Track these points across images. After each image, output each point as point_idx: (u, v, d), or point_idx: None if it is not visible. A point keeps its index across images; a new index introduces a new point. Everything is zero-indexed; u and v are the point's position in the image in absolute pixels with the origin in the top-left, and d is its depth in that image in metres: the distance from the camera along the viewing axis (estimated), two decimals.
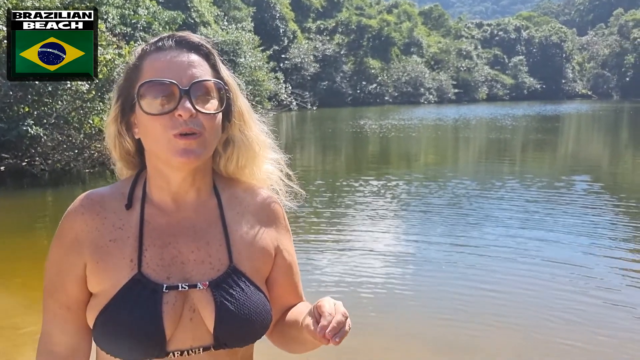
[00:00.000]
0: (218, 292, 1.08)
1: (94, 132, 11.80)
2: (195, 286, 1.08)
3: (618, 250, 6.82)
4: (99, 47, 11.88)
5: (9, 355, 3.99)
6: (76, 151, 11.88)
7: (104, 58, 11.50)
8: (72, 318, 1.12)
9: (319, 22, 65.49)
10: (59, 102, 11.65)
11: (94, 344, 1.17)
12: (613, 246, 6.95)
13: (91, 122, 11.75)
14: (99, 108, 12.02)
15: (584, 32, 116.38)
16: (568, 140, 25.23)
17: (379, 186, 11.12)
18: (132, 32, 18.22)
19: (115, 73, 11.38)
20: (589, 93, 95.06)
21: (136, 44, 14.64)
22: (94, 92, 11.74)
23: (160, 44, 1.10)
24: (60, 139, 11.82)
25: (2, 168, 12.23)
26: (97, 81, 11.50)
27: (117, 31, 17.27)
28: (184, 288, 1.07)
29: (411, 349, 4.16)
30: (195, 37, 1.12)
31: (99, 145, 12.11)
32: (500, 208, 9.23)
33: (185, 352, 1.07)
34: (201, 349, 1.08)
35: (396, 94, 65.40)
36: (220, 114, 1.10)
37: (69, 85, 11.20)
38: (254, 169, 1.21)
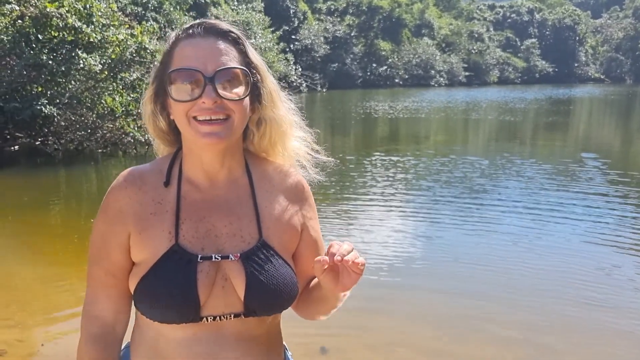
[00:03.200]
0: (248, 263, 1.16)
1: (106, 112, 11.86)
2: (227, 257, 1.16)
3: (627, 233, 6.81)
4: (112, 27, 11.91)
5: (23, 325, 4.11)
6: (89, 131, 11.97)
7: (116, 38, 11.53)
8: (116, 284, 1.22)
9: (329, 2, 64.95)
10: (72, 82, 11.71)
11: (133, 307, 1.26)
12: (621, 230, 6.95)
13: (104, 102, 11.80)
14: (111, 88, 12.08)
15: (598, 14, 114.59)
16: (580, 123, 25.05)
17: (388, 165, 11.15)
18: (143, 12, 18.20)
19: (128, 53, 11.42)
20: (602, 77, 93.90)
21: (147, 24, 14.65)
22: (106, 72, 11.78)
23: (190, 31, 1.16)
24: (73, 118, 11.91)
25: (17, 147, 12.37)
26: (110, 61, 11.55)
27: (127, 11, 17.27)
28: (217, 259, 1.16)
29: (418, 328, 4.23)
30: (224, 24, 1.18)
31: (111, 125, 12.19)
32: (510, 190, 9.23)
33: (218, 318, 1.16)
34: (232, 316, 1.16)
35: (406, 77, 64.97)
36: (248, 96, 1.16)
37: (82, 65, 11.24)
38: (284, 145, 1.28)
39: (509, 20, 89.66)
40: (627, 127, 23.77)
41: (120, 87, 12.13)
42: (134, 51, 11.51)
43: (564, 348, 3.94)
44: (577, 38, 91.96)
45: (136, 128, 11.78)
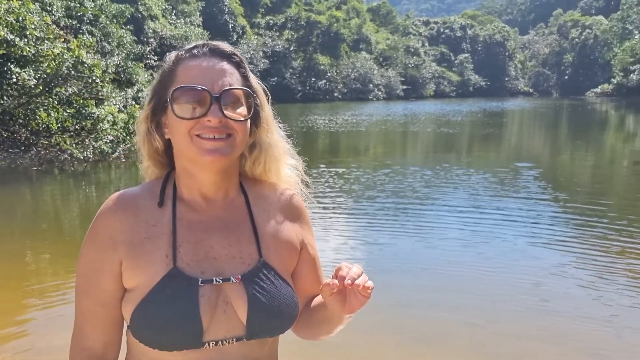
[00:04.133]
0: (250, 285, 1.14)
1: (41, 128, 11.44)
2: (228, 280, 1.13)
3: (557, 235, 7.31)
4: (46, 41, 11.53)
5: None
6: (22, 148, 11.49)
7: (52, 52, 11.17)
8: (108, 314, 1.17)
9: (268, 17, 65.25)
10: (4, 98, 11.23)
11: (123, 337, 1.21)
12: (553, 232, 7.42)
13: (39, 117, 11.38)
14: (47, 103, 11.67)
15: (525, 31, 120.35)
16: (512, 134, 26.14)
17: (334, 177, 11.24)
18: (78, 25, 17.68)
19: (64, 67, 11.08)
20: (531, 90, 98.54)
21: (84, 38, 14.25)
22: (41, 87, 11.38)
23: (195, 51, 1.16)
24: (5, 135, 11.41)
25: None
26: (46, 75, 11.17)
27: (62, 24, 16.75)
28: (218, 282, 1.13)
29: (373, 338, 4.25)
30: (227, 47, 1.18)
31: (47, 142, 11.76)
32: (453, 198, 9.53)
33: (220, 343, 1.12)
34: (234, 340, 1.13)
35: (345, 91, 65.88)
36: (249, 119, 1.16)
37: (14, 80, 10.81)
38: (278, 171, 1.29)
39: (443, 35, 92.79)
40: (556, 137, 25.09)
41: (56, 102, 11.74)
42: (70, 65, 11.18)
43: (515, 351, 4.07)
44: (507, 53, 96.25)
45: (74, 145, 11.40)
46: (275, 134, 1.26)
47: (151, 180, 1.26)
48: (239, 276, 1.14)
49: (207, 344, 1.11)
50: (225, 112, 1.11)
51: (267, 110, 1.23)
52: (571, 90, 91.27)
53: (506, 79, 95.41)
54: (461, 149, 19.12)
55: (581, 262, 6.14)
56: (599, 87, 79.88)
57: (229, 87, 1.12)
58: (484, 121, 32.05)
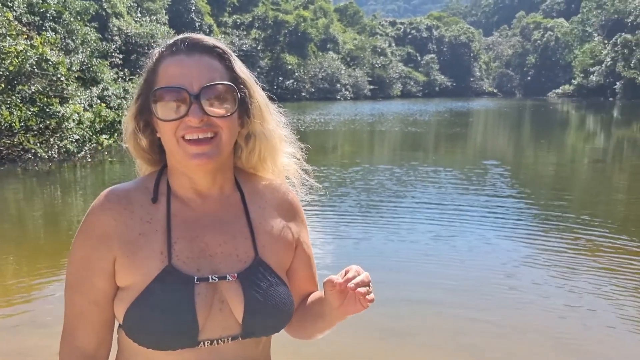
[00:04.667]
0: (246, 283, 1.12)
1: (3, 127, 11.13)
2: (224, 278, 1.11)
3: (524, 228, 7.66)
4: (8, 37, 11.23)
5: None
6: None
7: (15, 49, 10.89)
8: (100, 312, 1.14)
9: (235, 16, 64.75)
10: None
11: (114, 335, 1.19)
12: (517, 227, 7.75)
13: (1, 116, 11.07)
14: (9, 101, 11.36)
15: (489, 32, 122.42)
16: (478, 133, 26.62)
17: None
18: (40, 21, 17.25)
19: (27, 64, 10.81)
20: (495, 91, 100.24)
21: (47, 35, 13.93)
22: (3, 85, 11.07)
23: (174, 48, 1.12)
24: None
25: None
26: (8, 73, 10.89)
27: (24, 20, 16.34)
28: (214, 280, 1.11)
29: (335, 335, 4.29)
30: (209, 39, 1.15)
31: (9, 141, 11.46)
32: (423, 195, 9.70)
33: (215, 342, 1.11)
34: (229, 339, 1.12)
35: (313, 90, 65.83)
36: (237, 112, 1.13)
37: None
38: (274, 161, 1.25)
39: (410, 36, 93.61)
40: (520, 136, 25.67)
41: (19, 100, 11.44)
42: (34, 63, 10.90)
43: (488, 339, 4.16)
44: (472, 54, 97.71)
45: (38, 144, 11.13)
46: (270, 122, 1.22)
47: (144, 175, 1.23)
48: (235, 274, 1.13)
49: (202, 343, 1.09)
50: (208, 109, 1.08)
51: (258, 99, 1.19)
52: (534, 90, 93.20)
53: (471, 79, 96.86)
54: (429, 148, 19.40)
55: (547, 254, 6.45)
56: (560, 88, 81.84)
57: (208, 84, 1.08)
58: (450, 121, 32.54)
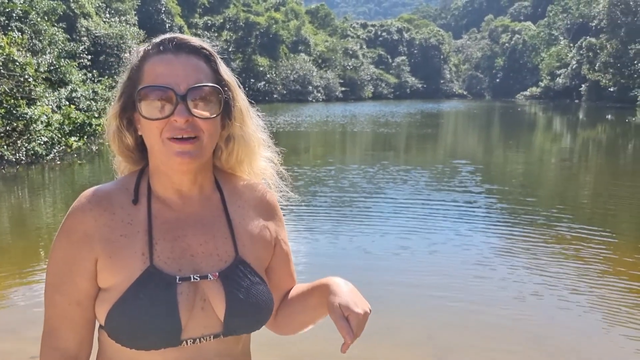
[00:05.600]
0: (227, 282, 1.14)
1: None
2: (205, 277, 1.13)
3: (491, 227, 7.92)
4: None
5: None
6: None
7: None
8: (82, 313, 1.14)
9: (206, 17, 64.32)
10: None
11: (95, 336, 1.19)
12: (487, 225, 8.02)
13: None
14: None
15: (459, 35, 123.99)
16: (449, 134, 26.98)
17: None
18: (6, 21, 16.89)
19: None
20: (465, 93, 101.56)
21: (14, 35, 13.65)
22: None
23: (161, 47, 1.13)
24: None
25: None
26: None
27: None
28: (196, 279, 1.12)
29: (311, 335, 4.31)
30: (196, 40, 1.15)
31: None
32: (395, 194, 9.81)
33: (197, 340, 1.12)
34: (212, 337, 1.13)
35: (285, 92, 65.76)
36: (218, 115, 1.14)
37: None
38: (251, 164, 1.27)
39: (381, 38, 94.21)
40: (489, 137, 26.12)
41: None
42: (0, 63, 10.68)
43: (462, 335, 4.25)
44: (442, 57, 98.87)
45: (5, 146, 10.90)
46: (250, 126, 1.23)
47: (125, 176, 1.23)
48: (217, 273, 1.14)
49: (184, 342, 1.11)
50: (193, 110, 1.09)
51: (240, 103, 1.20)
52: (502, 92, 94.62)
53: (441, 81, 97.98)
54: (402, 148, 19.64)
55: (517, 247, 6.73)
56: (528, 90, 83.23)
57: (195, 85, 1.09)
58: (422, 122, 32.92)
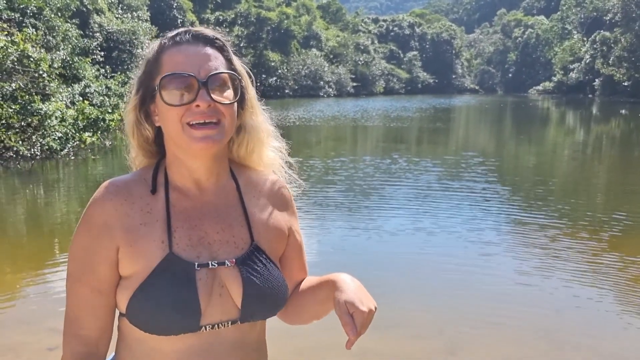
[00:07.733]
0: (244, 268, 1.17)
1: None
2: (223, 263, 1.17)
3: (504, 225, 7.81)
4: None
5: None
6: None
7: None
8: (103, 301, 1.18)
9: (217, 13, 64.42)
10: None
11: (114, 325, 1.23)
12: (501, 222, 7.94)
13: None
14: None
15: (471, 30, 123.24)
16: (460, 129, 26.86)
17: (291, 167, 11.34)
18: (21, 18, 17.05)
19: (8, 61, 10.69)
20: (477, 88, 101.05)
21: (28, 31, 13.78)
22: None
23: (177, 38, 1.17)
24: None
25: None
26: None
27: (4, 17, 16.14)
28: (214, 265, 1.16)
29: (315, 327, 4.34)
30: (210, 32, 1.20)
31: None
32: (406, 186, 9.81)
33: (216, 326, 1.16)
34: (229, 323, 1.17)
35: (296, 87, 65.76)
36: (235, 102, 1.19)
37: None
38: (261, 154, 1.31)
39: (392, 33, 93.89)
40: (501, 131, 25.96)
41: (0, 97, 11.31)
42: (15, 59, 10.78)
43: (467, 332, 4.25)
44: (454, 51, 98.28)
45: (20, 142, 11.02)
46: (259, 116, 1.28)
47: (140, 168, 1.27)
48: (234, 260, 1.18)
49: (203, 327, 1.14)
50: (213, 96, 1.12)
51: (251, 93, 1.25)
52: (514, 87, 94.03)
53: (453, 76, 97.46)
54: (414, 142, 19.67)
55: (530, 243, 6.68)
56: (541, 84, 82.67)
57: (214, 72, 1.13)
58: (433, 116, 32.80)
